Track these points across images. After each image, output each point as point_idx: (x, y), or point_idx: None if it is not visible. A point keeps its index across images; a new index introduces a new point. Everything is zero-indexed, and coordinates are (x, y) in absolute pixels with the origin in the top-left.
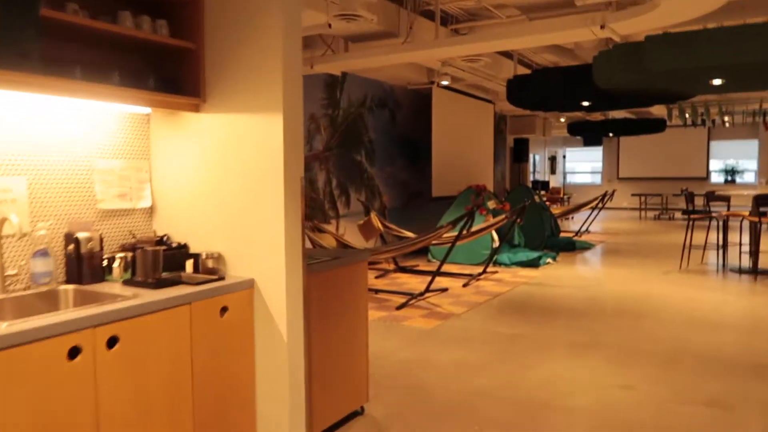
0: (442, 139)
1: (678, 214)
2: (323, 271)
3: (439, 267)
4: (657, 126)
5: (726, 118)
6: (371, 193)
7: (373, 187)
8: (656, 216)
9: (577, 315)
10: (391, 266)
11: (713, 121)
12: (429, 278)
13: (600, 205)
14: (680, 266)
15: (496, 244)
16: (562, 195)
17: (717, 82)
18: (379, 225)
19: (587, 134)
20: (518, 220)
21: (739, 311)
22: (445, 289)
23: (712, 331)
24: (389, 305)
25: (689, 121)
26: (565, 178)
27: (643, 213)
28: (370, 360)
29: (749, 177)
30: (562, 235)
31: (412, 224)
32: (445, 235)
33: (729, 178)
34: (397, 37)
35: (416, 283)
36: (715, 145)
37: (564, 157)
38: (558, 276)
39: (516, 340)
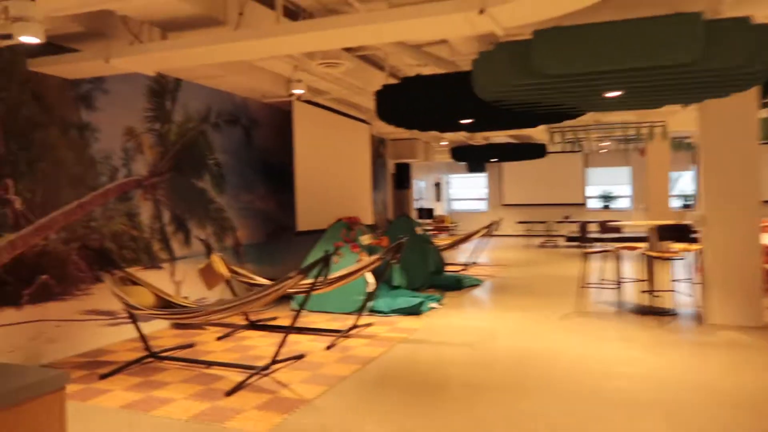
0: (308, 163)
1: (562, 242)
2: None
3: (292, 324)
4: (538, 151)
5: (603, 144)
6: (221, 228)
7: (223, 220)
8: (542, 244)
9: (471, 392)
10: (243, 320)
11: (589, 148)
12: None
13: (488, 234)
14: (576, 308)
15: (372, 287)
16: (447, 223)
17: (614, 93)
18: (224, 270)
19: (471, 159)
20: (394, 259)
21: (656, 374)
22: (301, 356)
23: (639, 415)
24: (220, 388)
25: (569, 147)
26: (450, 205)
27: (527, 240)
28: None
29: (624, 203)
30: (448, 269)
31: (276, 264)
32: (303, 283)
33: (605, 204)
34: (225, 25)
35: (268, 346)
36: (590, 172)
37: (448, 183)
38: (444, 327)
39: None
